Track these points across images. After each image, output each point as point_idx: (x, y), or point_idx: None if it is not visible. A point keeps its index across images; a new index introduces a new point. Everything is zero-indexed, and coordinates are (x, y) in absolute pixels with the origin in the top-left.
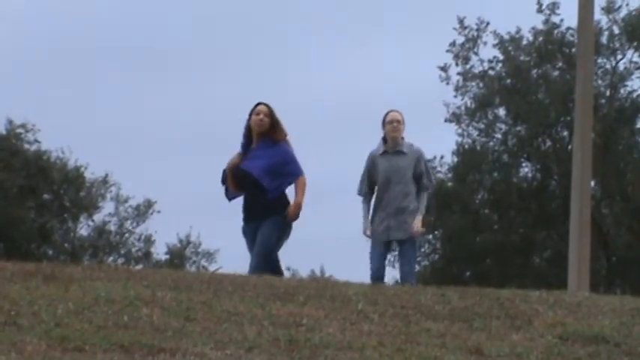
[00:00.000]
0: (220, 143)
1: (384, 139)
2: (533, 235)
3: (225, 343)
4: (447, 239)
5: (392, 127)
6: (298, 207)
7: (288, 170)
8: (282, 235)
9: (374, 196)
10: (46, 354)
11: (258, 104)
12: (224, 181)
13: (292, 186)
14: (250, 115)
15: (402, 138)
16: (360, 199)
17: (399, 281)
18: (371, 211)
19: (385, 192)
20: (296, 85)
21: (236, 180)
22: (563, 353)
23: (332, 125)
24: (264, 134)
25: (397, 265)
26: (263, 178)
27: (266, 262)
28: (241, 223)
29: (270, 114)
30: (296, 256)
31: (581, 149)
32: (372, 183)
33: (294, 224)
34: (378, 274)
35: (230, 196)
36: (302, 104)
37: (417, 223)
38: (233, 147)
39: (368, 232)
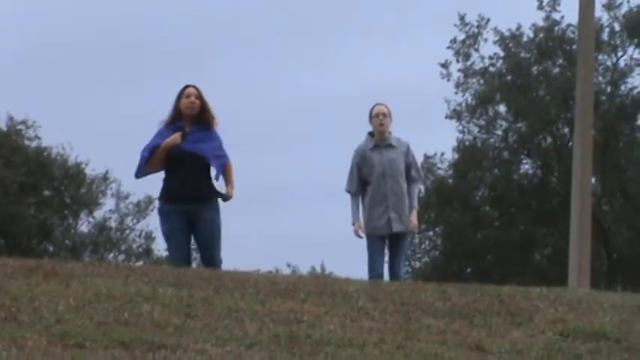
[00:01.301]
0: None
1: (371, 134)
2: (534, 232)
3: (226, 339)
4: (448, 236)
5: (378, 121)
6: (233, 188)
7: (222, 154)
8: (221, 225)
9: (367, 193)
10: (46, 350)
11: (187, 87)
12: (148, 159)
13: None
14: (179, 98)
15: (390, 132)
16: (349, 197)
17: (389, 275)
18: (363, 208)
19: (381, 185)
20: (297, 83)
21: (170, 160)
22: (563, 350)
23: (333, 123)
24: (196, 118)
25: (387, 259)
26: (212, 161)
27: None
28: (165, 204)
29: (200, 96)
30: (296, 252)
31: (582, 146)
32: (361, 179)
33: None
34: (378, 272)
35: (142, 174)
36: (303, 101)
37: (413, 219)
38: (236, 142)
39: (360, 233)
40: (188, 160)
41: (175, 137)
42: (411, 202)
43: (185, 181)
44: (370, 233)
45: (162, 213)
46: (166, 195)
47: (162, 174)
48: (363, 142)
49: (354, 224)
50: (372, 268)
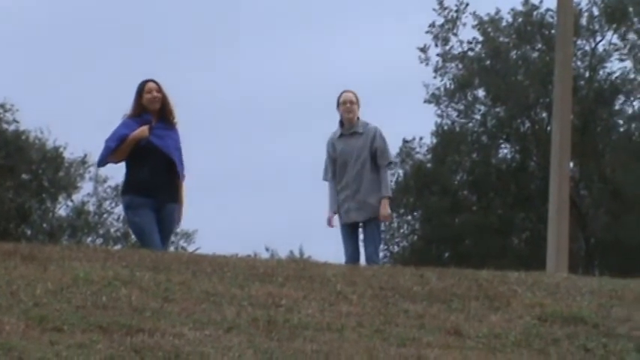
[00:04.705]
0: (194, 124)
1: (341, 122)
2: (512, 216)
3: (204, 323)
4: (426, 220)
5: (345, 108)
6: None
7: (182, 159)
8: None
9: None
10: (24, 334)
11: (147, 81)
12: (114, 149)
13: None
14: (140, 93)
15: (358, 118)
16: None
17: (365, 261)
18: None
19: (343, 174)
20: (276, 70)
21: (136, 152)
22: (541, 334)
23: (311, 109)
24: (159, 113)
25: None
26: (178, 162)
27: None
28: (137, 196)
29: (160, 89)
30: (275, 236)
31: (560, 131)
32: (335, 167)
33: None
34: (351, 258)
35: (105, 163)
36: (282, 88)
37: (383, 209)
38: (205, 128)
39: (332, 222)
40: (155, 155)
41: (144, 130)
42: (381, 190)
43: (154, 176)
44: (339, 220)
45: (131, 206)
46: (136, 188)
47: (123, 167)
48: (334, 131)
49: (328, 215)
50: (346, 255)
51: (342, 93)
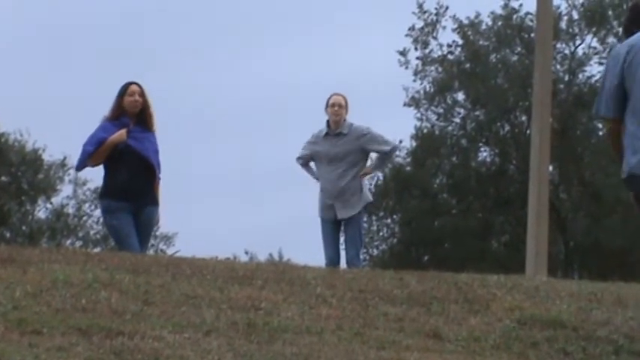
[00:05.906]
0: (173, 127)
1: (328, 123)
2: (492, 220)
3: (184, 326)
4: (406, 223)
5: (333, 111)
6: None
7: (159, 162)
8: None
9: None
10: (3, 337)
11: (130, 84)
12: (92, 153)
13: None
14: (122, 95)
15: (344, 120)
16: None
17: (346, 264)
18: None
19: (326, 174)
20: (256, 72)
21: (114, 155)
22: (520, 337)
23: (291, 111)
24: (138, 116)
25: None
26: (156, 165)
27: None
28: (113, 200)
29: (143, 93)
30: (254, 239)
31: (540, 134)
32: (311, 157)
33: None
34: (331, 261)
35: (84, 166)
36: (262, 89)
37: (365, 170)
38: (184, 131)
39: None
40: (133, 157)
41: (122, 133)
42: (372, 164)
43: (132, 178)
44: (320, 217)
45: (109, 210)
46: (114, 192)
47: (102, 170)
48: (320, 129)
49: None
50: (325, 252)
51: (331, 95)
